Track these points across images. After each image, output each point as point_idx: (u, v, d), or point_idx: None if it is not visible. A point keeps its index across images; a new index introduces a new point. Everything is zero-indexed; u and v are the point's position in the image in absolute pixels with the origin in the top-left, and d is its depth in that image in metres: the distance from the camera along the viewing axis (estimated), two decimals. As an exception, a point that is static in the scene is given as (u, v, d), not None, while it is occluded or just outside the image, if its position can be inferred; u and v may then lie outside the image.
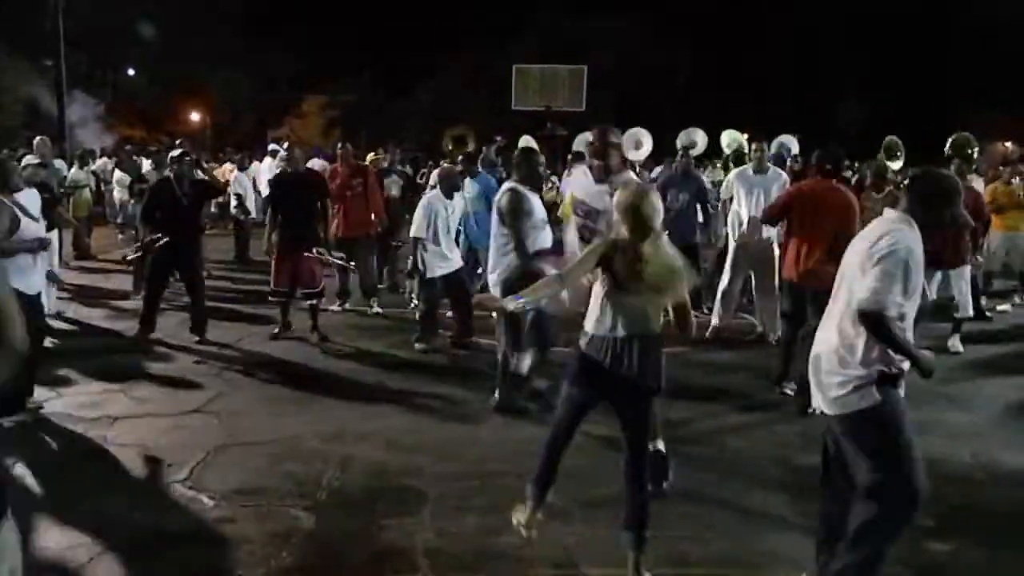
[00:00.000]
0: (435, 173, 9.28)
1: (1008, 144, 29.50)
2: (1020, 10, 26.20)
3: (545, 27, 31.70)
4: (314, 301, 8.10)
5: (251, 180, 13.96)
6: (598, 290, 3.63)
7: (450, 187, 7.80)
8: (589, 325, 3.66)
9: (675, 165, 10.00)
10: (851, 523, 3.35)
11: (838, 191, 6.21)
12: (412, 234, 7.65)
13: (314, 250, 8.00)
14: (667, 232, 9.46)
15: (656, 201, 3.62)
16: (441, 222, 7.59)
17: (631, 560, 3.65)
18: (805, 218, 6.21)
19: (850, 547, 3.33)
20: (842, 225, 5.80)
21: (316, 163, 15.07)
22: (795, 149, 12.33)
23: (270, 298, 8.31)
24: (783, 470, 5.07)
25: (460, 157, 9.33)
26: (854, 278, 3.32)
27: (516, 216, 5.66)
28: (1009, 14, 26.89)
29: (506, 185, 5.99)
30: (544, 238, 5.83)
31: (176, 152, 8.26)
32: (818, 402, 3.50)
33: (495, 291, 5.64)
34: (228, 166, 16.22)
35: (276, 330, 8.17)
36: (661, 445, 4.70)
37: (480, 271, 8.15)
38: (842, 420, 3.38)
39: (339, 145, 10.16)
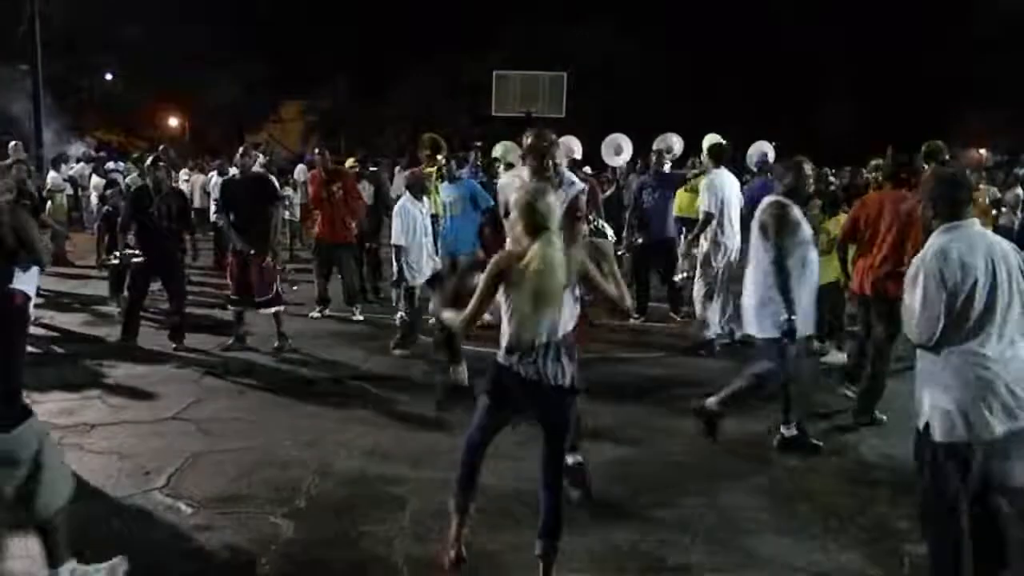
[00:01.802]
0: (402, 176, 9.27)
1: (982, 151, 29.91)
2: (1019, 8, 26.49)
3: (525, 33, 31.72)
4: (276, 308, 7.88)
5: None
6: (503, 303, 3.56)
7: (420, 190, 7.78)
8: (503, 337, 3.60)
9: (649, 168, 10.23)
10: None
11: (907, 199, 6.01)
12: (393, 242, 7.60)
13: (267, 259, 7.75)
14: (645, 230, 9.37)
15: (552, 200, 3.54)
16: (419, 226, 7.60)
17: (541, 569, 3.62)
18: (876, 230, 6.04)
19: None
20: (908, 233, 5.79)
21: (299, 168, 15.08)
22: (771, 155, 12.48)
23: (227, 307, 8.13)
24: (761, 473, 5.11)
25: (443, 161, 9.31)
26: None
27: (781, 231, 5.28)
28: (1009, 13, 27.16)
29: (770, 198, 5.55)
30: (812, 257, 5.45)
31: (150, 158, 8.20)
32: (1011, 421, 3.22)
33: (750, 314, 5.44)
34: (194, 175, 16.17)
35: (230, 341, 7.91)
36: (580, 457, 4.67)
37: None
38: None
39: (315, 151, 10.12)
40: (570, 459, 4.55)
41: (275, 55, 32.99)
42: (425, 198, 7.86)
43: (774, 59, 31.41)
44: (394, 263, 7.66)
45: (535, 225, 3.48)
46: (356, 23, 33.40)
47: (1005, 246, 3.35)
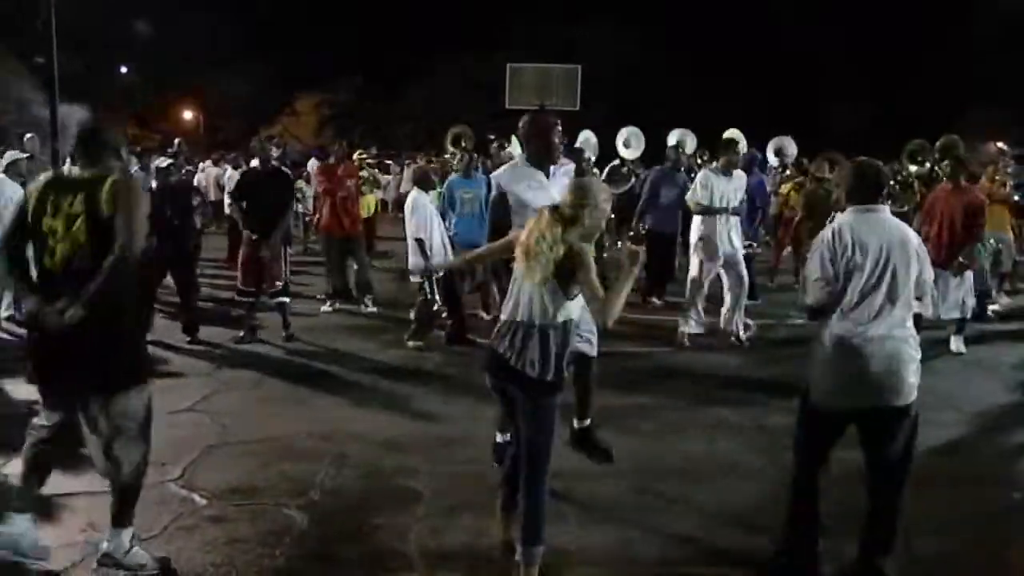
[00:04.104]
0: (409, 171, 9.35)
1: (1000, 144, 29.62)
2: (1019, 8, 26.29)
3: (537, 30, 31.68)
4: (283, 299, 7.97)
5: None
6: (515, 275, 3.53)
7: (428, 184, 8.01)
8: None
9: (666, 163, 10.51)
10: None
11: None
12: (415, 236, 7.62)
13: (288, 248, 7.91)
14: (659, 224, 9.36)
15: (587, 194, 3.45)
16: (433, 217, 7.66)
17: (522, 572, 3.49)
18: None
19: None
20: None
21: (312, 162, 15.19)
22: (793, 150, 12.59)
23: (236, 297, 8.14)
24: (775, 467, 5.08)
25: (461, 157, 9.29)
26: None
27: None
28: (1009, 13, 26.94)
29: None
30: None
31: (163, 163, 8.24)
32: (880, 398, 3.52)
33: None
34: (214, 169, 16.31)
35: (242, 334, 7.93)
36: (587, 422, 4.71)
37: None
38: (906, 409, 3.56)
39: (338, 145, 10.09)
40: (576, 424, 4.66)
41: (288, 51, 33.12)
42: (432, 192, 8.06)
43: (774, 59, 31.35)
44: (419, 256, 7.62)
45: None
46: (372, 18, 33.48)
47: (908, 234, 3.58)
